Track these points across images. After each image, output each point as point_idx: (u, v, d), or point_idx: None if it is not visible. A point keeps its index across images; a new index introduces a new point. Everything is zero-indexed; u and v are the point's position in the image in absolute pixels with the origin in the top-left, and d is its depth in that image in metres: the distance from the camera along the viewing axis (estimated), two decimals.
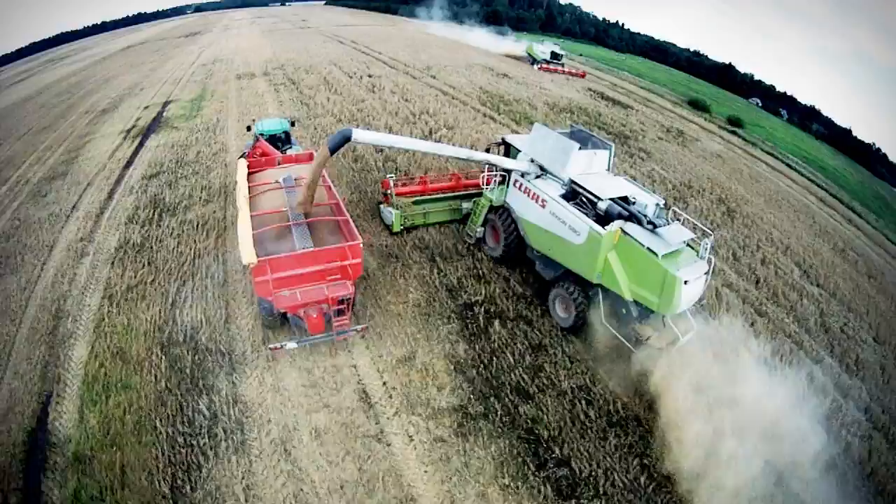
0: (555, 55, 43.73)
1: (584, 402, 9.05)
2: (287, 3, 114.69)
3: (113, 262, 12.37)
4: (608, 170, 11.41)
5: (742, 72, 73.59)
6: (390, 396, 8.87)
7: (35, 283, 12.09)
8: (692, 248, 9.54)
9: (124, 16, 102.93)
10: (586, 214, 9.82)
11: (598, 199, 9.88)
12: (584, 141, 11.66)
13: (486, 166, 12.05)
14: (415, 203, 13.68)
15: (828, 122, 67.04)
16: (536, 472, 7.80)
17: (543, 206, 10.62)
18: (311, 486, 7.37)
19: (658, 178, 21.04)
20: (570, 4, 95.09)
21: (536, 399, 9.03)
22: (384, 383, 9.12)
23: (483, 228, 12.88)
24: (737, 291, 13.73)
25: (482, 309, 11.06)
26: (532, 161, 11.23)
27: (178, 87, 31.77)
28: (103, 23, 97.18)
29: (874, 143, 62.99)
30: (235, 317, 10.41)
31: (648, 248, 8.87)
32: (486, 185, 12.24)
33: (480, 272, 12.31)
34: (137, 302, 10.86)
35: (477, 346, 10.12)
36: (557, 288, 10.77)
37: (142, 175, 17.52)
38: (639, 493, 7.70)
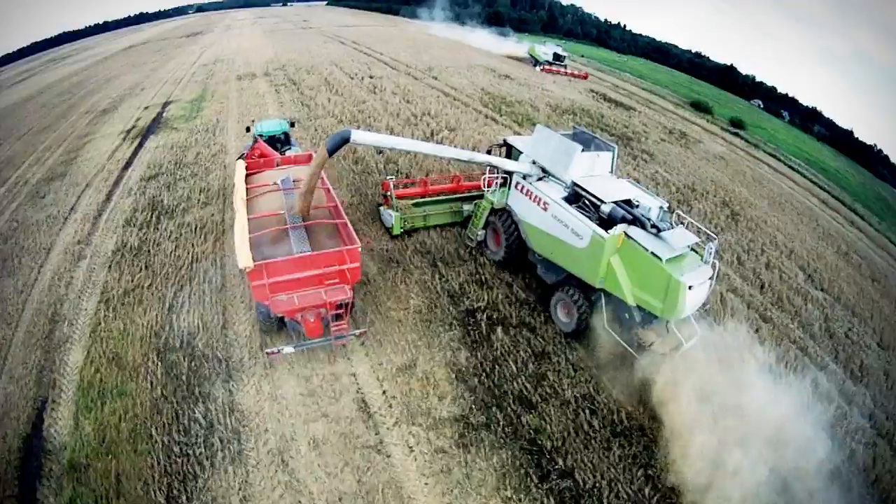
0: (557, 56, 43.61)
1: (587, 411, 8.90)
2: (289, 4, 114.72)
3: (110, 266, 12.25)
4: (611, 172, 11.27)
5: (744, 73, 73.47)
6: (390, 406, 8.71)
7: (32, 286, 11.98)
8: (696, 252, 9.43)
9: (126, 16, 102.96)
10: (589, 218, 9.68)
11: (601, 202, 9.74)
12: (587, 143, 11.52)
13: (488, 168, 11.91)
14: (415, 205, 13.54)
15: (829, 124, 66.81)
16: (539, 484, 7.65)
17: (545, 209, 10.47)
18: (308, 498, 7.22)
19: (661, 180, 20.89)
20: (572, 5, 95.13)
21: (539, 408, 8.87)
22: (384, 392, 8.96)
23: (484, 231, 12.74)
24: (741, 296, 13.59)
25: (484, 315, 10.90)
26: (534, 163, 11.07)
27: (178, 87, 31.69)
28: (105, 22, 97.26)
29: (875, 145, 62.82)
30: (233, 322, 10.26)
31: (652, 253, 8.73)
32: (488, 187, 12.09)
33: (483, 277, 12.15)
34: (134, 306, 10.73)
35: (479, 354, 9.95)
36: (559, 292, 10.62)
37: (140, 176, 17.40)
38: None
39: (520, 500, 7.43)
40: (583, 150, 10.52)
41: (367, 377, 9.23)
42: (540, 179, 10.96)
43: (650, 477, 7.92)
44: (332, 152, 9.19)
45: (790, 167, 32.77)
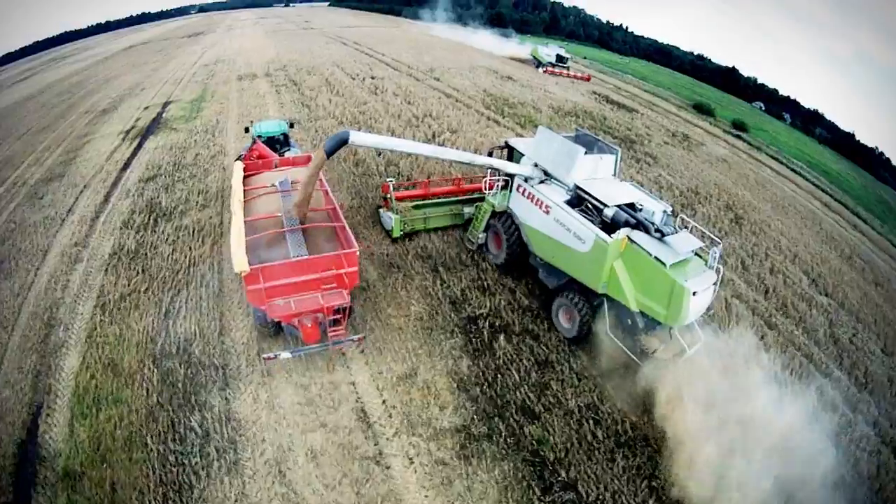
0: (560, 58, 43.45)
1: (591, 421, 8.74)
2: (291, 4, 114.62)
3: (107, 269, 12.11)
4: (614, 175, 11.14)
5: (745, 75, 73.27)
6: (390, 416, 8.55)
7: (28, 289, 11.85)
8: (700, 257, 9.31)
9: (128, 15, 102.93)
10: (592, 221, 9.54)
11: (604, 205, 9.61)
12: (590, 145, 11.34)
13: (489, 170, 11.76)
14: (415, 207, 13.41)
15: (831, 126, 66.61)
16: (542, 497, 7.50)
17: (547, 213, 10.33)
18: None
19: (665, 183, 20.74)
20: (574, 7, 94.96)
21: (542, 419, 8.71)
22: (384, 401, 8.80)
23: (485, 234, 12.60)
24: (746, 302, 13.44)
25: (487, 322, 10.74)
26: (536, 165, 10.94)
27: (178, 87, 31.56)
28: (107, 22, 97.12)
29: (877, 147, 62.57)
30: (230, 329, 10.11)
31: (656, 258, 8.61)
32: (489, 189, 11.92)
33: (485, 283, 11.98)
34: (130, 311, 10.59)
35: (481, 363, 9.79)
36: (561, 297, 10.48)
37: (139, 178, 17.27)
38: None
39: None
40: (586, 153, 10.38)
41: (367, 386, 9.08)
42: (542, 182, 10.83)
43: (654, 489, 7.77)
44: (330, 154, 9.09)
45: (793, 170, 32.65)
